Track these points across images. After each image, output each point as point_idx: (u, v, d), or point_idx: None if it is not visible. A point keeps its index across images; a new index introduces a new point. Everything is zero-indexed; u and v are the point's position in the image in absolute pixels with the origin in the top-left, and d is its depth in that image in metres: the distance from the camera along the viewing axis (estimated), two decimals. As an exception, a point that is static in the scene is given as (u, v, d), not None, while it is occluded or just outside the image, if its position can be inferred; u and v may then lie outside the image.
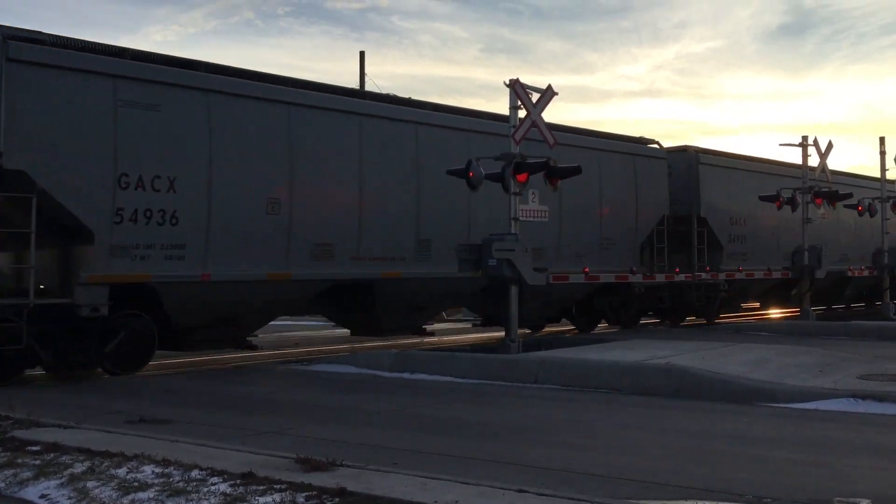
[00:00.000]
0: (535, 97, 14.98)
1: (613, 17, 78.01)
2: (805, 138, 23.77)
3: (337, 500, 5.59)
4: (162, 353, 15.16)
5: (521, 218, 14.92)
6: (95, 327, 13.20)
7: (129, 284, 13.29)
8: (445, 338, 21.05)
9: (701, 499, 5.95)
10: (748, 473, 6.87)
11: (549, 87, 15.07)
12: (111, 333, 13.45)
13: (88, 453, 7.06)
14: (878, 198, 25.63)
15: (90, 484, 6.15)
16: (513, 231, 14.62)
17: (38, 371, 13.67)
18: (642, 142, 22.77)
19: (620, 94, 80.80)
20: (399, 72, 71.08)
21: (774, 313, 28.04)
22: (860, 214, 25.42)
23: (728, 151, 25.39)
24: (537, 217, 16.45)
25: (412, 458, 7.43)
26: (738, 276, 23.76)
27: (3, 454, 7.11)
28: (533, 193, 15.88)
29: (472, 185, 14.63)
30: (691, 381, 11.45)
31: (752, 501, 5.95)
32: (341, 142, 15.91)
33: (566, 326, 22.44)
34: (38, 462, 6.78)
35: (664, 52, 76.45)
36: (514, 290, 14.72)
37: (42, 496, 6.05)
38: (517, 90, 14.86)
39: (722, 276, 23.10)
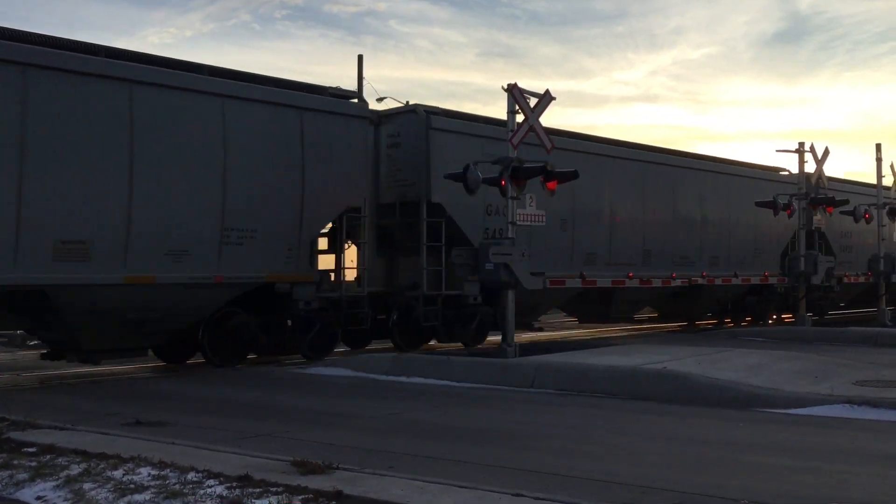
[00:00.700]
0: (532, 102, 15.01)
1: (609, 23, 78.21)
2: (801, 144, 23.85)
3: (333, 503, 5.60)
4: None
5: (518, 222, 14.94)
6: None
7: None
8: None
9: (696, 504, 5.97)
10: (743, 479, 6.88)
11: (548, 91, 15.10)
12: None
13: (85, 455, 7.07)
14: (873, 204, 25.71)
15: (86, 486, 6.15)
16: (510, 235, 14.64)
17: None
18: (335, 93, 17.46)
19: (616, 99, 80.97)
20: (396, 76, 71.20)
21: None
22: (856, 221, 25.48)
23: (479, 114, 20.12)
24: (535, 221, 16.44)
25: (408, 461, 7.44)
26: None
27: (-1, 456, 7.10)
28: (531, 197, 15.89)
29: (470, 189, 14.66)
30: (687, 387, 11.47)
31: (747, 507, 5.96)
32: None
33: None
34: (34, 464, 6.78)
35: (660, 57, 76.65)
36: (510, 295, 14.74)
37: (38, 497, 6.05)
38: (515, 94, 14.88)
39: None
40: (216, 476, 6.27)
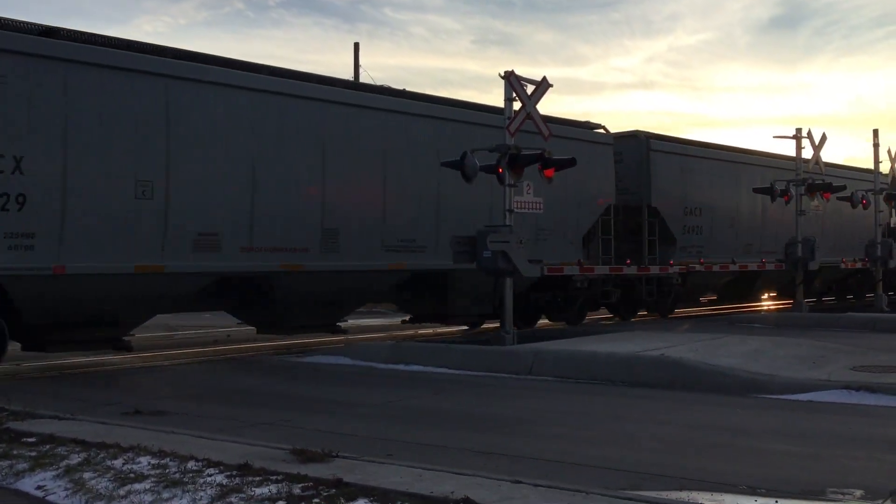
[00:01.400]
0: (529, 89, 14.97)
1: (605, 9, 78.03)
2: (799, 130, 23.83)
3: (333, 490, 5.60)
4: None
5: (516, 210, 14.93)
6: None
7: None
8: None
9: (695, 489, 5.98)
10: (742, 465, 6.90)
11: (545, 78, 15.06)
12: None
13: (84, 445, 7.07)
14: (871, 190, 25.72)
15: (86, 475, 6.16)
16: (508, 223, 14.63)
17: None
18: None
19: (613, 86, 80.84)
20: (391, 63, 71.01)
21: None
22: (853, 207, 25.48)
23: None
24: (533, 209, 16.42)
25: (407, 449, 7.45)
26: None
27: (-2, 445, 7.11)
28: (528, 185, 15.86)
29: (467, 177, 14.63)
30: (685, 373, 11.49)
31: (745, 492, 5.98)
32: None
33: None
34: (33, 453, 6.79)
35: (656, 44, 76.51)
36: (508, 283, 14.74)
37: (38, 487, 6.06)
38: (512, 82, 14.84)
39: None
40: (216, 465, 6.28)
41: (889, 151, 26.10)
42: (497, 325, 20.40)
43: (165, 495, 5.66)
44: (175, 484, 5.84)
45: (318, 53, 74.40)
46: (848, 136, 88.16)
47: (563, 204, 19.30)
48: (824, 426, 8.69)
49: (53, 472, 6.28)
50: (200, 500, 5.53)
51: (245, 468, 6.17)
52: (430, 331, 20.07)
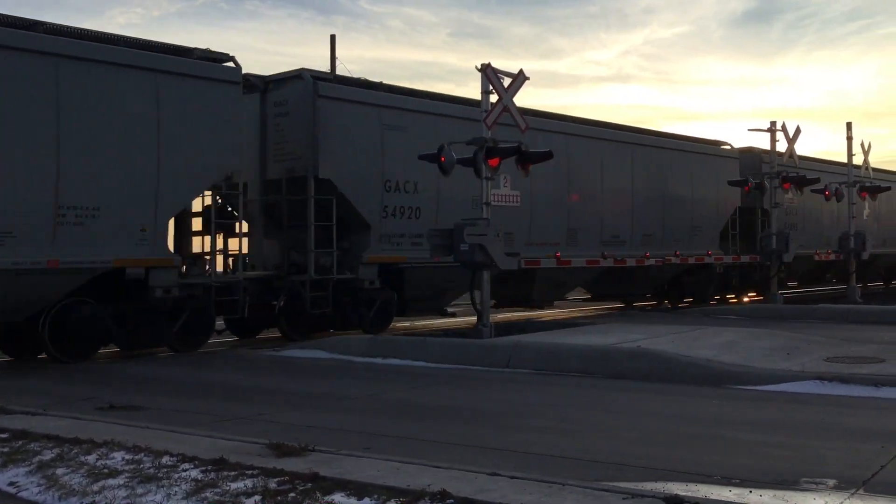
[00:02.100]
0: (506, 82, 14.96)
1: (581, 3, 78.22)
2: (773, 123, 24.01)
3: (309, 485, 5.58)
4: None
5: (493, 203, 14.93)
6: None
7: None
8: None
9: (671, 480, 6.01)
10: (718, 455, 6.95)
11: (521, 71, 15.06)
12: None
13: (58, 440, 7.00)
14: (844, 182, 25.96)
15: (59, 471, 6.09)
16: (485, 216, 14.63)
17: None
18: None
19: (589, 79, 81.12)
20: (368, 56, 70.83)
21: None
22: (826, 199, 25.72)
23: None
24: (510, 202, 16.43)
25: (385, 442, 7.44)
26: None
27: (-31, 442, 7.02)
28: (505, 178, 15.87)
29: (444, 170, 14.62)
30: (661, 365, 11.56)
31: (720, 483, 6.02)
32: None
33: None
34: (6, 449, 6.71)
35: (632, 37, 76.85)
36: (485, 276, 14.75)
37: (10, 483, 5.99)
38: (489, 75, 14.83)
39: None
40: (191, 460, 6.23)
41: (862, 144, 26.37)
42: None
43: (140, 490, 5.61)
44: (149, 479, 5.79)
45: (295, 46, 74.12)
46: (823, 130, 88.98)
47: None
48: (798, 416, 8.76)
49: (26, 468, 6.21)
50: (175, 495, 5.48)
51: (220, 463, 6.12)
52: (408, 324, 20.08)
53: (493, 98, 14.92)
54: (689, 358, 11.73)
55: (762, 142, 25.71)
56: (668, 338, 13.39)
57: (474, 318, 15.22)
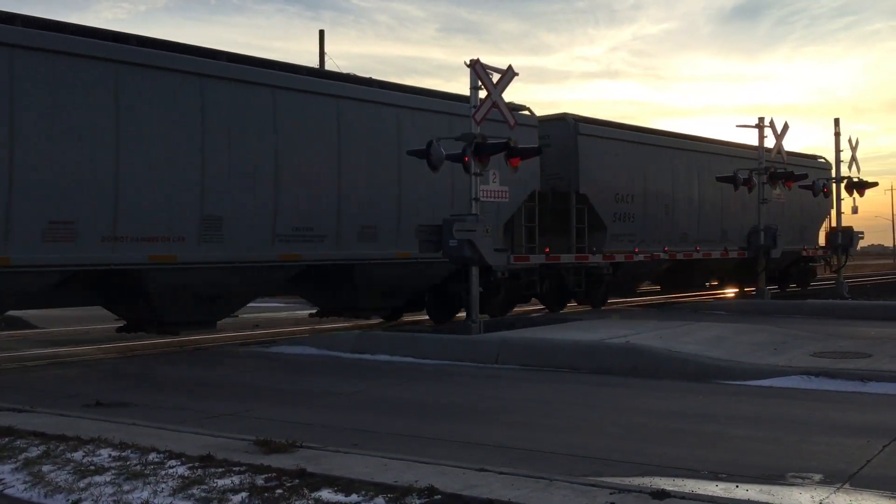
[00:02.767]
0: (495, 77, 14.95)
1: (571, -2, 78.10)
2: (761, 119, 24.07)
3: (296, 481, 5.57)
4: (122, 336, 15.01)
5: (482, 199, 14.93)
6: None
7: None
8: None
9: (658, 475, 6.03)
10: (704, 450, 6.98)
11: (510, 67, 15.05)
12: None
13: (44, 437, 6.97)
14: (832, 178, 26.06)
15: (45, 468, 6.07)
16: (473, 212, 14.62)
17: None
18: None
19: (578, 75, 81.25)
20: (356, 51, 70.73)
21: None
22: (815, 195, 25.77)
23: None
24: (498, 198, 16.43)
25: (373, 438, 7.44)
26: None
27: (-45, 439, 6.98)
28: (494, 174, 15.86)
29: (433, 166, 14.61)
30: (649, 360, 11.59)
31: (707, 477, 6.05)
32: None
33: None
34: (-9, 447, 6.67)
35: (620, 33, 77.04)
36: (474, 271, 14.75)
37: (-4, 481, 5.95)
38: (478, 70, 14.82)
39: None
40: (178, 456, 6.22)
41: (850, 140, 26.43)
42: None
43: (126, 487, 5.59)
44: (136, 476, 5.77)
45: (282, 41, 73.91)
46: (810, 125, 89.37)
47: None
48: (784, 411, 8.80)
49: (12, 466, 6.18)
50: (162, 491, 5.47)
51: (207, 459, 6.11)
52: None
53: (482, 94, 14.90)
54: (676, 353, 11.77)
55: (735, 135, 25.64)
56: (655, 333, 13.43)
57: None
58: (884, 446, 7.03)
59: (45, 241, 12.38)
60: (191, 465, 5.99)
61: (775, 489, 5.73)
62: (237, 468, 5.88)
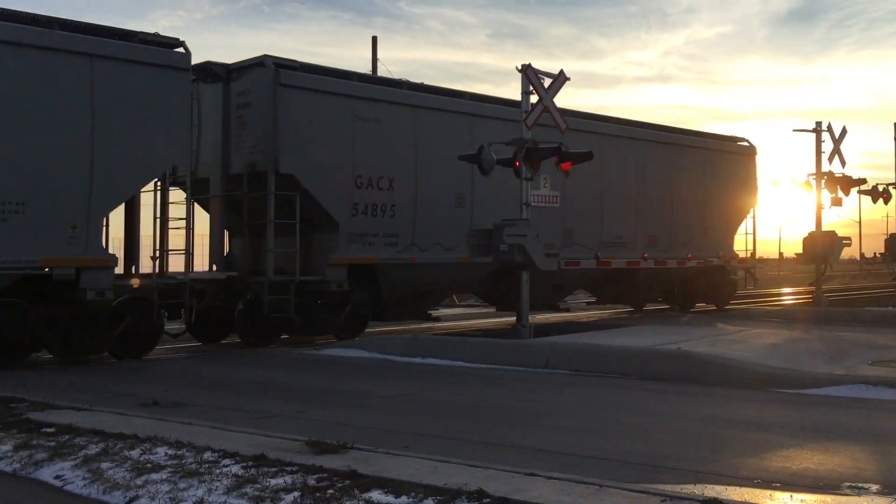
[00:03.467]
0: (546, 82, 14.95)
1: (621, 2, 77.84)
2: (819, 124, 23.61)
3: (347, 482, 5.64)
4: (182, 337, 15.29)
5: (533, 204, 14.92)
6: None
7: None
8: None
9: (709, 483, 5.97)
10: (756, 458, 6.88)
11: (562, 72, 15.03)
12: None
13: (102, 435, 7.15)
14: (891, 183, 25.45)
15: (104, 465, 6.22)
16: (524, 216, 14.62)
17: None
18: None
19: (629, 79, 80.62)
20: (407, 57, 71.07)
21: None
22: (874, 202, 25.08)
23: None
24: (550, 203, 16.42)
25: (422, 441, 7.48)
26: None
27: (18, 435, 7.20)
28: (545, 179, 15.84)
29: (484, 171, 14.64)
30: (702, 367, 11.46)
31: (760, 486, 5.97)
32: None
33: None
34: (52, 444, 6.86)
35: (673, 37, 76.23)
36: (525, 276, 14.74)
37: (56, 477, 6.12)
38: (529, 75, 14.83)
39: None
40: (232, 455, 6.33)
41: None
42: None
43: (182, 485, 5.71)
44: (191, 474, 5.89)
45: (334, 47, 74.65)
46: (867, 129, 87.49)
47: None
48: (841, 421, 8.64)
49: (72, 462, 6.35)
50: (216, 490, 5.57)
51: (260, 459, 6.22)
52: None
53: (534, 98, 14.91)
54: (730, 360, 11.62)
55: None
56: (708, 340, 13.29)
57: (514, 319, 15.20)
58: (944, 458, 6.87)
59: None
60: (244, 464, 6.10)
61: (830, 499, 5.63)
62: (289, 468, 5.97)
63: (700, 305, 24.10)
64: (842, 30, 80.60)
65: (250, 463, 6.12)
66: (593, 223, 20.25)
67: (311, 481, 5.67)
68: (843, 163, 23.85)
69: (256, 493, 5.50)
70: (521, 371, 12.33)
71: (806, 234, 23.44)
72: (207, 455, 6.38)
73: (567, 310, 21.29)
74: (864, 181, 24.11)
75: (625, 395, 10.42)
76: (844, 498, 5.71)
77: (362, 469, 5.90)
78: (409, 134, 16.94)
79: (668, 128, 23.29)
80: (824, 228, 23.32)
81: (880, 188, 24.89)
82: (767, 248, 65.32)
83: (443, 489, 5.44)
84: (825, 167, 23.16)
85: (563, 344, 13.19)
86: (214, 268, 16.36)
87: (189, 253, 14.72)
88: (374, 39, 32.95)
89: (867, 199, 25.18)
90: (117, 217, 14.30)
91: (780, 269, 65.02)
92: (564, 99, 42.93)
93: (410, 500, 5.27)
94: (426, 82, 18.40)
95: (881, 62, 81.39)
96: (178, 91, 13.98)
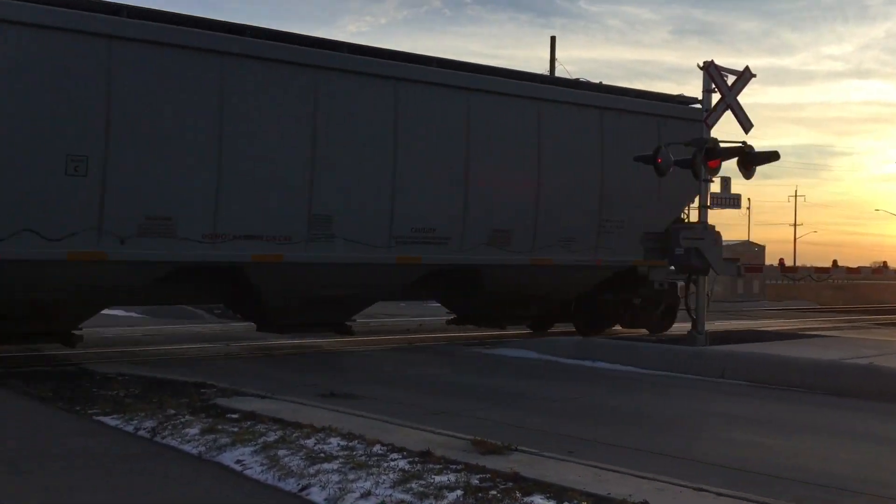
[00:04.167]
0: (730, 80, 14.37)
1: (818, -7, 73.45)
2: None
3: (510, 484, 5.66)
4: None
5: (712, 206, 14.40)
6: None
7: None
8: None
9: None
10: (954, 487, 6.34)
11: (747, 68, 14.40)
12: None
13: (281, 423, 7.52)
14: None
15: (281, 452, 6.53)
16: (703, 219, 14.14)
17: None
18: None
19: (823, 75, 76.24)
20: (586, 56, 70.36)
21: None
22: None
23: None
24: (730, 206, 15.79)
25: (587, 446, 7.39)
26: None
27: (205, 420, 7.68)
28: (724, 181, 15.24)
29: (660, 171, 14.26)
30: None
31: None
32: None
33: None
34: (235, 429, 7.28)
35: (872, 30, 71.36)
36: (702, 281, 14.25)
37: (237, 462, 6.48)
38: (712, 72, 14.31)
39: None
40: (400, 450, 6.50)
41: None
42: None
43: (351, 477, 5.91)
44: (360, 466, 6.09)
45: (512, 48, 74.98)
46: None
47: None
48: None
49: (252, 448, 6.71)
50: (383, 483, 5.73)
51: (426, 455, 6.34)
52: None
53: (716, 97, 14.37)
54: (929, 378, 10.75)
55: None
56: (904, 355, 12.36)
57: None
58: None
59: None
60: (411, 459, 6.24)
61: None
62: (454, 466, 6.06)
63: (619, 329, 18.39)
64: None
65: (416, 459, 6.26)
66: (382, 204, 14.41)
67: (475, 481, 5.72)
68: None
69: (421, 489, 5.61)
70: (694, 380, 11.93)
71: None
72: (376, 448, 6.58)
73: (351, 333, 15.36)
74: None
75: (808, 410, 9.87)
76: None
77: (525, 472, 5.90)
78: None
79: (531, 75, 17.41)
80: None
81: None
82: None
83: (607, 499, 5.36)
84: None
85: (741, 353, 12.65)
86: None
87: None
88: (553, 40, 32.89)
89: None
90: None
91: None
92: (751, 97, 40.98)
93: (572, 507, 5.22)
94: (605, 81, 18.04)
95: None
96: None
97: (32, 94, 11.39)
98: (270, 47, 13.29)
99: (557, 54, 31.78)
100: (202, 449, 6.84)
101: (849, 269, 20.67)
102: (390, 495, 5.54)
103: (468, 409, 9.27)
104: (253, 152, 13.03)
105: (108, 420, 8.00)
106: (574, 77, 18.34)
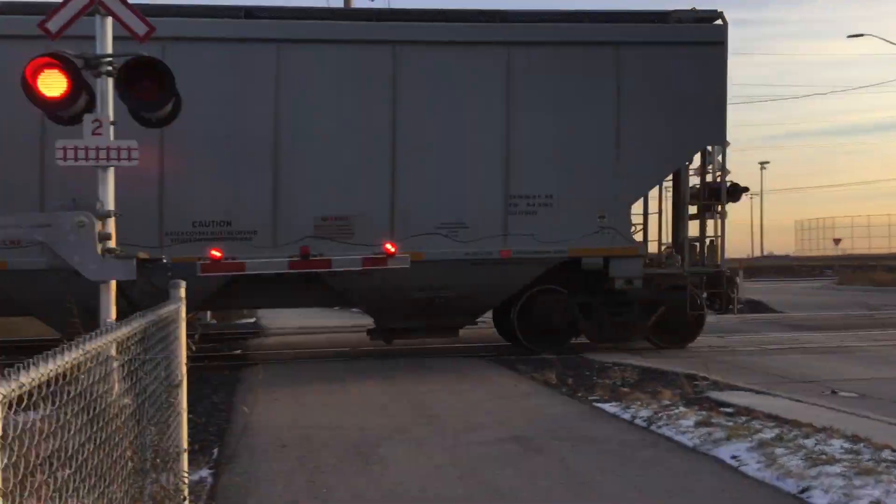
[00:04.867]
0: None
1: None
2: None
3: None
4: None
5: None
6: None
7: None
8: None
9: None
10: None
11: None
12: None
13: (777, 420, 7.29)
14: None
15: (777, 451, 6.32)
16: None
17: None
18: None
19: None
20: None
21: None
22: None
23: None
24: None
25: None
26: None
27: (699, 412, 7.73)
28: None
29: None
30: None
31: None
32: None
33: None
34: (729, 424, 7.21)
35: None
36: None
37: (733, 457, 6.42)
38: None
39: None
40: (912, 458, 5.92)
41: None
42: None
43: (857, 482, 5.52)
44: (867, 472, 5.66)
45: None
46: None
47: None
48: None
49: (747, 444, 6.58)
50: (894, 492, 5.27)
51: (947, 467, 5.68)
52: None
53: None
54: None
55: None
56: None
57: None
58: None
59: None
60: (926, 469, 5.64)
61: None
62: None
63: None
64: None
65: (933, 469, 5.64)
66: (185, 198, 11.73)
67: None
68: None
69: (941, 503, 5.05)
70: None
71: None
72: (885, 454, 6.07)
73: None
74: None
75: None
76: None
77: None
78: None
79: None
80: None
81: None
82: None
83: None
84: None
85: None
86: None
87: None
88: None
89: None
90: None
91: None
92: None
93: None
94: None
95: None
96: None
97: None
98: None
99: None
100: (697, 441, 6.90)
101: None
102: (903, 506, 5.08)
103: None
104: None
105: (606, 407, 8.45)
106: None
